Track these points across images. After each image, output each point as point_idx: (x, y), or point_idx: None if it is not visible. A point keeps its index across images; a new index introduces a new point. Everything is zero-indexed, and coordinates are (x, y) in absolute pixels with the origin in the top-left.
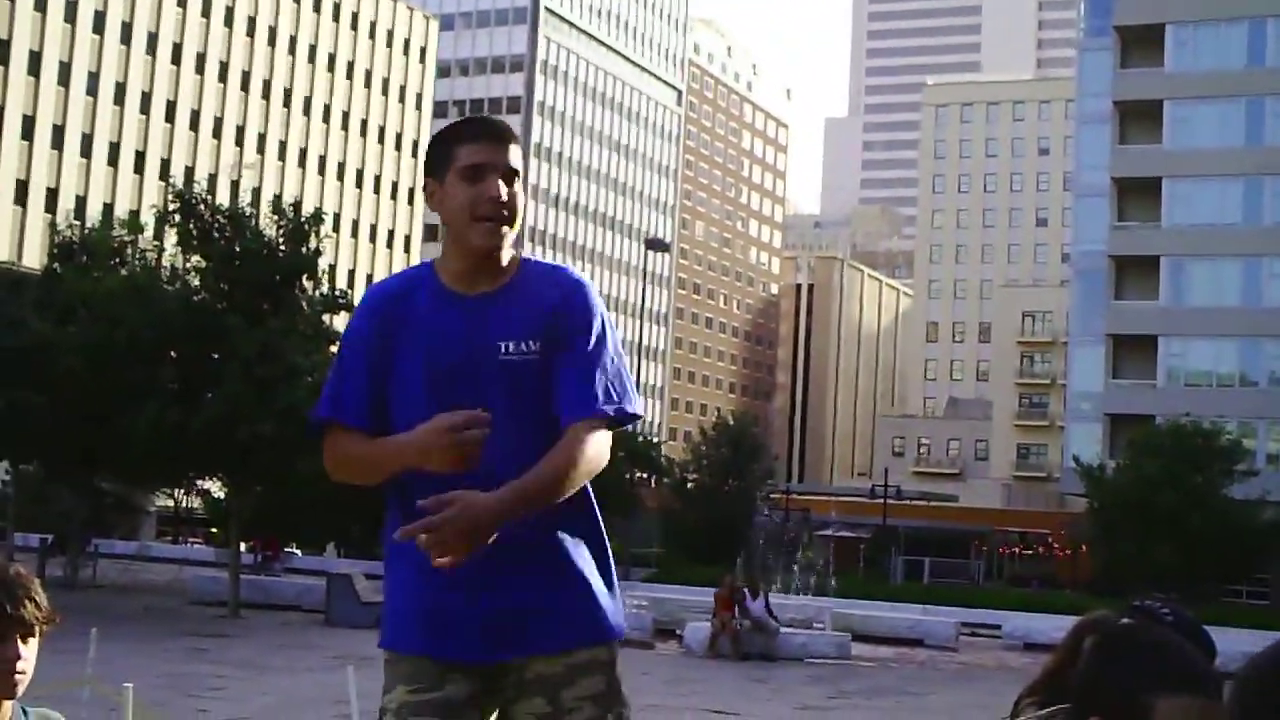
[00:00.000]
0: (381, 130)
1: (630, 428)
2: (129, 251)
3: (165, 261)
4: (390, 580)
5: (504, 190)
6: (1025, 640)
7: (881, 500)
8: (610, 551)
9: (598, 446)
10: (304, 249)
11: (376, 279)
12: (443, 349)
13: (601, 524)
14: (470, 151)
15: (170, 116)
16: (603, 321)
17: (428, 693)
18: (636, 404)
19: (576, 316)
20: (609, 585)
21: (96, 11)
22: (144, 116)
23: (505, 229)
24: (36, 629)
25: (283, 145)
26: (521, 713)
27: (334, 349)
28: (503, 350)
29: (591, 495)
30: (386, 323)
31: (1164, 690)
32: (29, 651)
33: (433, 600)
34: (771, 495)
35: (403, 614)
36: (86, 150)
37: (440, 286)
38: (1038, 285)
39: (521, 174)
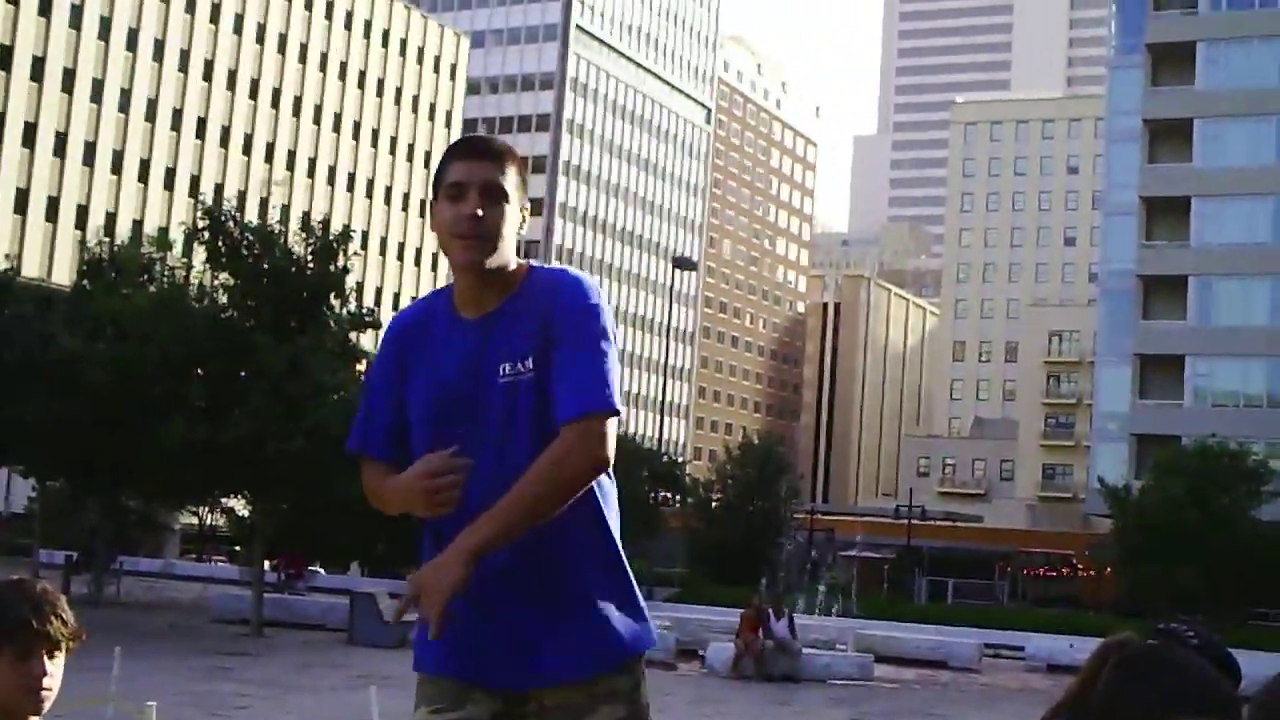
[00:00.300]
0: (411, 147)
1: (654, 448)
2: (157, 268)
3: (194, 278)
4: None
5: (479, 207)
6: (1049, 662)
7: (906, 520)
8: (625, 563)
9: (572, 453)
10: (332, 266)
11: (405, 297)
12: (445, 377)
13: (615, 535)
14: (453, 170)
15: (200, 133)
16: (589, 313)
17: (448, 712)
18: (612, 397)
19: (561, 319)
20: (627, 600)
21: (130, 29)
22: (174, 133)
23: (480, 245)
24: (63, 646)
25: (312, 162)
26: None
27: (361, 367)
28: (501, 373)
29: (602, 506)
30: (404, 352)
31: (1183, 712)
32: (55, 668)
33: (456, 623)
34: (796, 515)
35: (423, 636)
36: (117, 167)
37: (451, 311)
38: (1065, 305)
39: (512, 192)
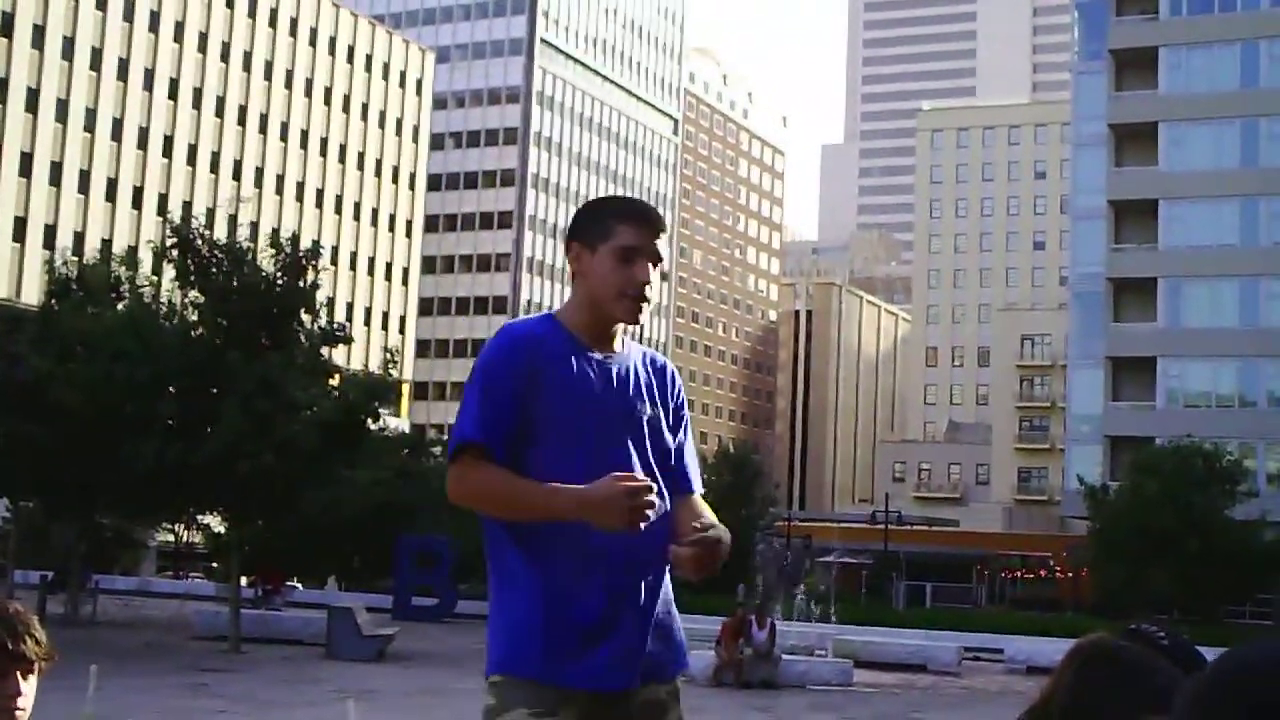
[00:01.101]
0: (379, 163)
1: None
2: (126, 287)
3: (163, 297)
4: (506, 606)
5: (653, 275)
6: (1028, 664)
7: (883, 526)
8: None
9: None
10: (302, 282)
11: (375, 311)
12: (593, 401)
13: None
14: (630, 233)
15: (167, 152)
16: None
17: (547, 716)
18: None
19: (681, 397)
20: (677, 622)
21: (94, 48)
22: (141, 152)
23: (644, 309)
24: (36, 666)
25: (280, 179)
26: None
27: (333, 382)
28: (638, 409)
29: None
30: (532, 362)
31: (1140, 710)
32: (28, 688)
33: (579, 617)
34: (774, 523)
35: (525, 640)
36: (84, 186)
37: (573, 340)
38: (1036, 309)
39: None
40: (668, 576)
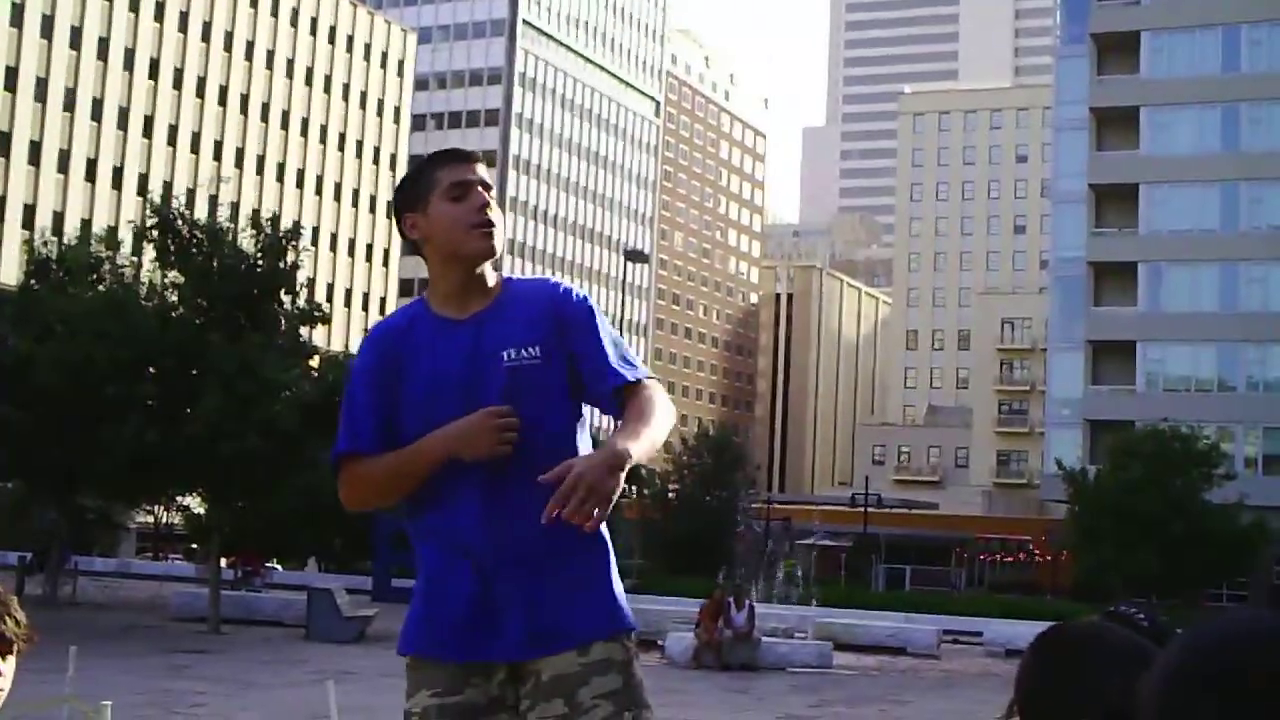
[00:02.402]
0: (360, 144)
1: None
2: (106, 267)
3: (143, 277)
4: (416, 588)
5: (488, 198)
6: (1007, 647)
7: (862, 509)
8: (611, 547)
9: (663, 401)
10: (282, 263)
11: (356, 293)
12: (445, 367)
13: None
14: (451, 172)
15: (148, 132)
16: (594, 308)
17: (449, 696)
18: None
19: (578, 312)
20: (612, 581)
21: (73, 27)
22: (121, 132)
23: (495, 233)
24: (15, 646)
25: (261, 160)
26: (538, 717)
27: (313, 363)
28: (506, 358)
29: None
30: (392, 355)
31: (1106, 684)
32: (7, 669)
33: (452, 604)
34: (753, 505)
35: (423, 619)
36: (64, 166)
37: (434, 316)
38: (1016, 292)
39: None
40: (583, 544)
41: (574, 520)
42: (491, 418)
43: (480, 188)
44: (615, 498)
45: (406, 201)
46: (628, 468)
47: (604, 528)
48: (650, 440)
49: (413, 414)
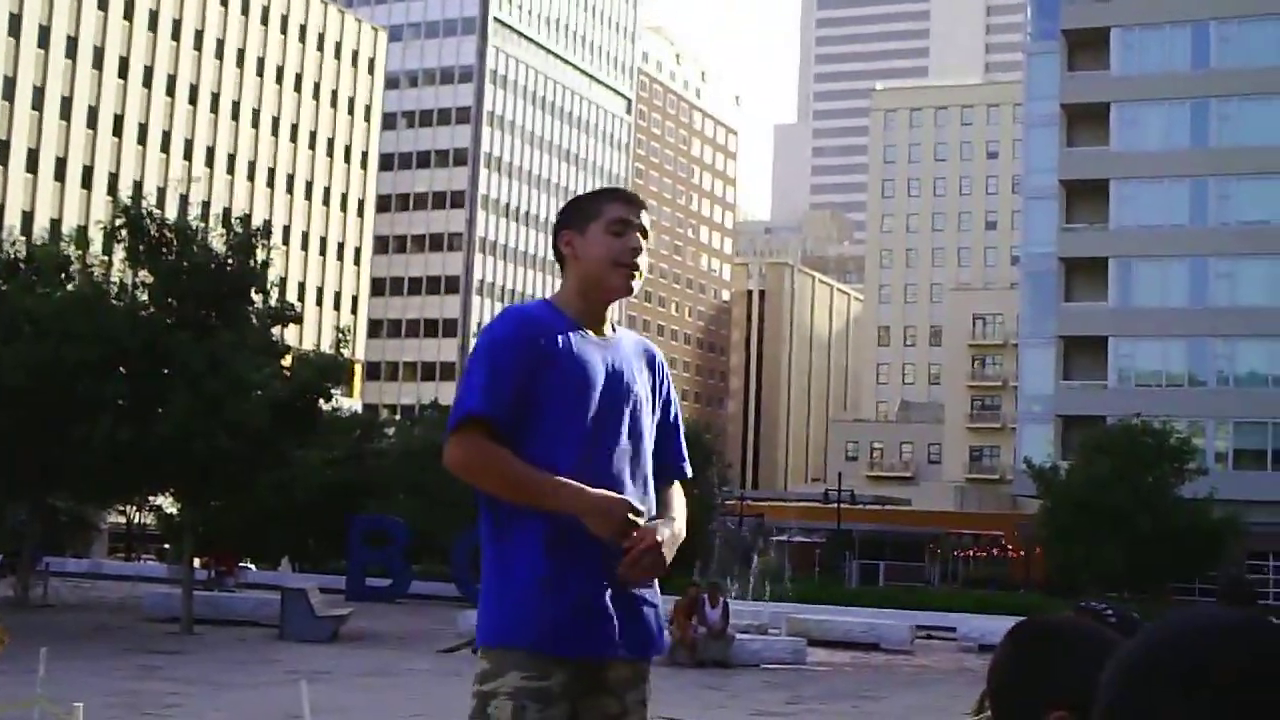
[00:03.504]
0: (330, 142)
1: None
2: (75, 266)
3: (113, 277)
4: (502, 578)
5: (642, 244)
6: (980, 642)
7: (835, 505)
8: None
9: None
10: (252, 262)
11: (327, 291)
12: (590, 380)
13: None
14: (618, 208)
15: (117, 130)
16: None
17: (539, 680)
18: None
19: (668, 381)
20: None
21: (41, 26)
22: (90, 131)
23: (637, 276)
24: None
25: (231, 158)
26: (590, 708)
27: (285, 363)
28: (631, 390)
29: None
30: (536, 340)
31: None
32: None
33: (551, 602)
34: (727, 502)
35: (518, 613)
36: (33, 165)
37: (574, 324)
38: (988, 288)
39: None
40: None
41: (632, 577)
42: (628, 510)
43: (639, 233)
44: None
45: (569, 219)
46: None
47: None
48: (682, 534)
49: (551, 404)
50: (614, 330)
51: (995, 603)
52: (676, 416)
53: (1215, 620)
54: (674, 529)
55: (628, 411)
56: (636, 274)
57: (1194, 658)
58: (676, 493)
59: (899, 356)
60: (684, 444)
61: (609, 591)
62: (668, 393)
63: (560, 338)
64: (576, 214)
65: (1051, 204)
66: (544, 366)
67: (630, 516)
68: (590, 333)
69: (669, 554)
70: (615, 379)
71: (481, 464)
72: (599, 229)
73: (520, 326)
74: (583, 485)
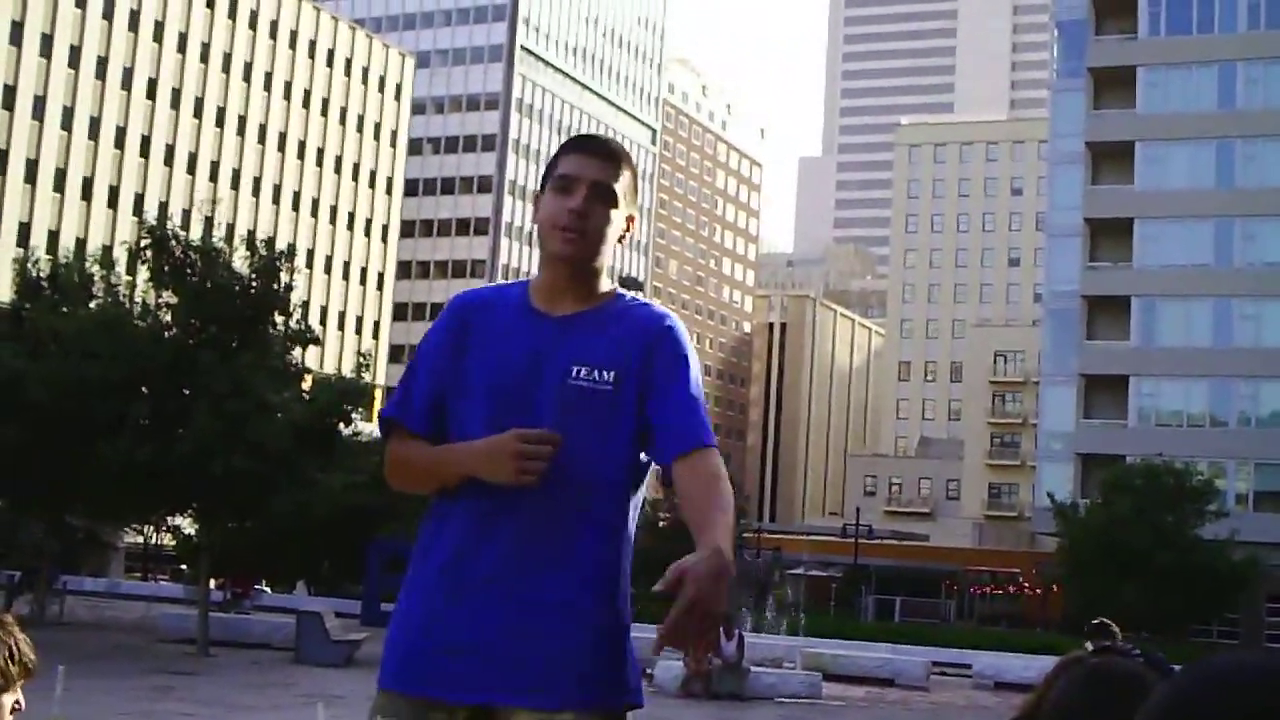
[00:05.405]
0: (356, 167)
1: None
2: (99, 285)
3: (137, 297)
4: (395, 611)
5: (585, 203)
6: (996, 679)
7: (853, 539)
8: (629, 612)
9: (724, 473)
10: (275, 285)
11: (349, 316)
12: (508, 363)
13: (628, 578)
14: (565, 163)
15: (145, 152)
16: (690, 357)
17: None
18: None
19: (667, 350)
20: (623, 649)
21: (72, 46)
22: (118, 151)
23: (580, 241)
24: (31, 672)
25: (257, 181)
26: None
27: (305, 385)
28: (573, 374)
29: (628, 546)
30: (464, 331)
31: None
32: (22, 694)
33: (423, 636)
34: (744, 534)
35: (394, 649)
36: (60, 185)
37: (525, 302)
38: (1010, 325)
39: (621, 196)
40: (588, 596)
41: (698, 652)
42: (519, 441)
43: (588, 186)
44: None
45: (540, 180)
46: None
47: (628, 574)
48: (732, 524)
49: (462, 406)
50: (597, 307)
51: (1011, 640)
52: (684, 389)
53: (1258, 664)
54: (713, 548)
55: (558, 394)
56: (578, 239)
57: (1256, 698)
58: (704, 471)
59: (919, 392)
60: (702, 416)
61: (500, 622)
62: (665, 368)
63: (495, 320)
64: (544, 175)
65: (1075, 242)
66: (464, 355)
67: (520, 446)
68: (549, 308)
69: (717, 599)
70: (548, 361)
71: (392, 465)
72: (549, 188)
73: (451, 315)
74: (473, 440)
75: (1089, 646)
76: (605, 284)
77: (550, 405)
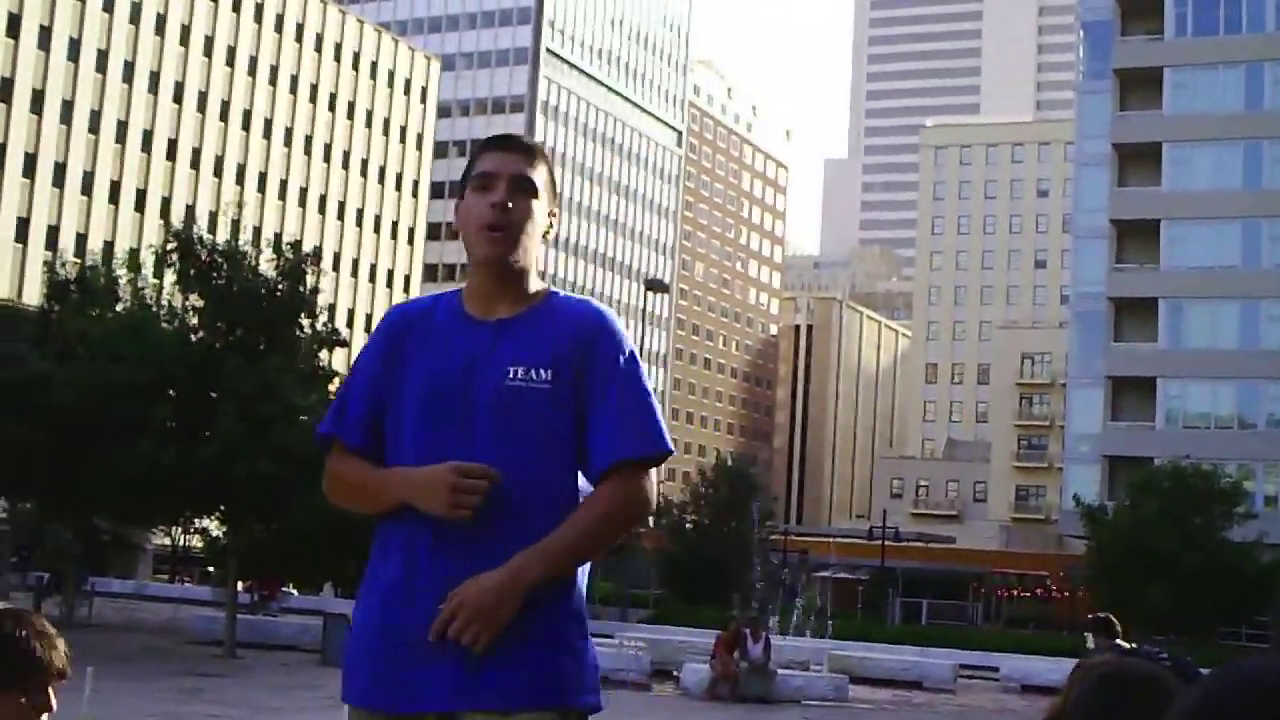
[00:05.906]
0: (382, 170)
1: None
2: (125, 289)
3: (164, 300)
4: (352, 624)
5: (508, 198)
6: (1023, 682)
7: (880, 541)
8: (585, 610)
9: (631, 495)
10: (301, 287)
11: (376, 318)
12: (449, 368)
13: (583, 579)
14: (483, 161)
15: (171, 154)
16: (631, 355)
17: None
18: (667, 440)
19: (604, 351)
20: (579, 649)
21: (99, 50)
22: (145, 154)
23: (506, 238)
24: (66, 673)
25: (283, 184)
26: None
27: (332, 388)
28: (509, 376)
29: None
30: (400, 342)
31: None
32: (54, 696)
33: (376, 647)
34: (770, 536)
35: (350, 662)
36: (87, 188)
37: (459, 309)
38: (1036, 327)
39: (542, 189)
40: (571, 597)
41: (462, 642)
42: (454, 475)
43: (508, 180)
44: (507, 621)
45: (460, 183)
46: (528, 590)
47: (579, 577)
48: (574, 553)
49: (398, 415)
50: (531, 302)
51: (1038, 643)
52: (619, 397)
53: (1278, 669)
54: (511, 567)
55: (497, 405)
56: (504, 237)
57: (1261, 709)
58: (600, 494)
59: (946, 394)
60: (640, 418)
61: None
62: (602, 371)
63: (432, 329)
64: (462, 177)
65: (1102, 243)
66: (401, 364)
67: (456, 480)
68: (477, 315)
69: (490, 609)
70: (483, 365)
71: (330, 483)
72: (469, 188)
73: (388, 326)
74: (409, 468)
75: (1090, 642)
76: (535, 283)
77: (488, 409)
